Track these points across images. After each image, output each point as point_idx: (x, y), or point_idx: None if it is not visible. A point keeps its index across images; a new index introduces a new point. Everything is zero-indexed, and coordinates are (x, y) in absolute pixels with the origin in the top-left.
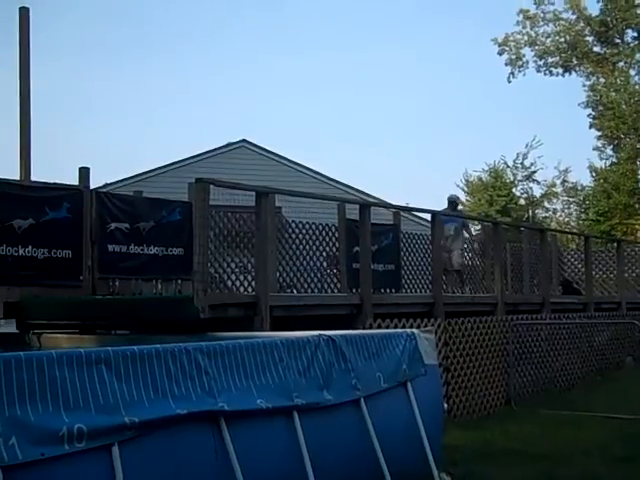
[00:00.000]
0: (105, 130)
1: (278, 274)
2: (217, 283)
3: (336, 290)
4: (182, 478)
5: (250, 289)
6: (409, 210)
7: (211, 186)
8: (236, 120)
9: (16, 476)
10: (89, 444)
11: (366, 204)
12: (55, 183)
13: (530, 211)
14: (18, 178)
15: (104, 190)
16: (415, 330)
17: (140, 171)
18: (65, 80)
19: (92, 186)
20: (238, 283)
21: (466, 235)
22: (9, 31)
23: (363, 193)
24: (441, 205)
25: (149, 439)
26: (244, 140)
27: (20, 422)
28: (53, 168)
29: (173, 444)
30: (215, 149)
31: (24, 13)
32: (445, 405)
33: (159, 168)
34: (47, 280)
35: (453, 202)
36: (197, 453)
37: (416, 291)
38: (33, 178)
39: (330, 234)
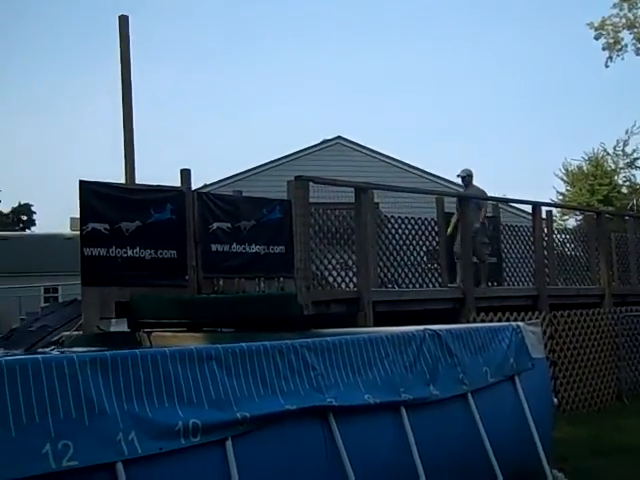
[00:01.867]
0: (204, 132)
1: (379, 270)
2: (319, 280)
3: (437, 285)
4: (293, 472)
5: (352, 285)
6: (508, 202)
7: (310, 183)
8: (331, 117)
9: (137, 470)
10: (204, 438)
11: (465, 196)
12: (158, 185)
13: (635, 199)
14: (124, 182)
15: (205, 191)
16: (521, 323)
17: (238, 171)
18: (165, 85)
19: (193, 187)
20: (339, 279)
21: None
22: (112, 37)
23: (461, 186)
24: (541, 197)
25: (260, 434)
26: (339, 137)
27: (138, 417)
28: (156, 171)
29: (283, 439)
30: (311, 147)
31: (123, 21)
32: (555, 400)
33: (256, 167)
34: (155, 280)
35: (465, 178)
36: (307, 448)
37: (518, 284)
38: (137, 181)
39: (430, 228)
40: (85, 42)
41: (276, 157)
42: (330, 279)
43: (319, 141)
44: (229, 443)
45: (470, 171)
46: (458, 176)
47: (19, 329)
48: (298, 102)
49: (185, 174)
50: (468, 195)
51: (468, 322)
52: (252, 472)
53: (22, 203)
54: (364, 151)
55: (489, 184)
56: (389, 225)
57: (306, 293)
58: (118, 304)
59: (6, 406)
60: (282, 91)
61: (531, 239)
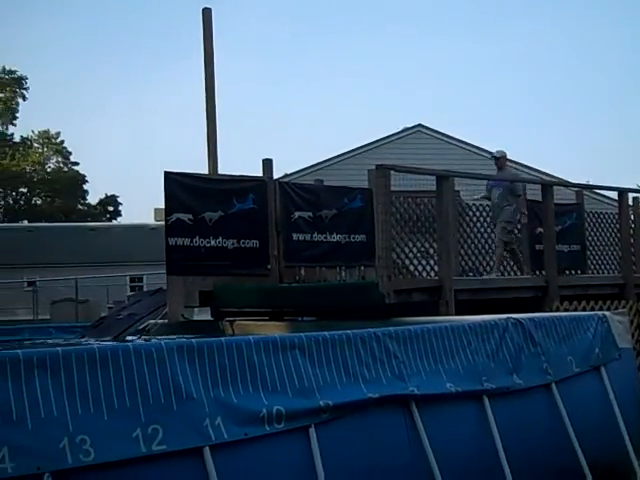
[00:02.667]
0: (286, 122)
1: (460, 258)
2: (400, 268)
3: (519, 273)
4: (376, 459)
5: (433, 274)
6: (593, 188)
7: (391, 172)
8: (412, 105)
9: (223, 455)
10: (287, 425)
11: (548, 184)
12: (241, 175)
13: None
14: (207, 172)
15: (286, 180)
16: (607, 312)
17: (318, 160)
18: (247, 74)
19: (274, 177)
20: (420, 268)
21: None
22: (195, 28)
23: (542, 173)
24: (627, 181)
25: (343, 422)
26: (420, 125)
27: (224, 403)
28: (238, 160)
29: (366, 426)
30: (391, 135)
31: (207, 13)
32: None
33: (337, 156)
34: (237, 269)
35: (498, 160)
36: (389, 436)
37: (603, 272)
38: (220, 171)
39: None
40: (168, 34)
41: (357, 146)
42: (411, 268)
43: (399, 129)
44: (312, 430)
45: (504, 152)
46: (492, 157)
47: (107, 317)
48: (378, 91)
49: (267, 164)
50: (549, 183)
51: (551, 311)
52: (335, 459)
53: (109, 195)
54: (444, 139)
55: (573, 171)
56: (470, 213)
57: (387, 282)
58: (201, 293)
59: (99, 391)
60: (362, 80)
61: (617, 226)
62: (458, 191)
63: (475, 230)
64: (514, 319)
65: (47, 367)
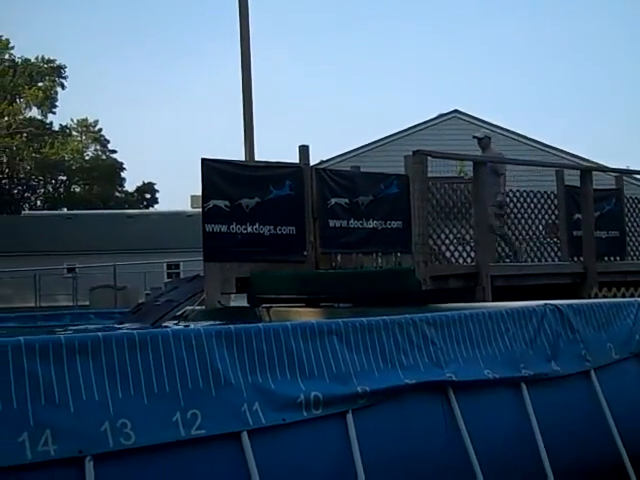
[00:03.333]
0: (322, 108)
1: (496, 244)
2: (436, 255)
3: (556, 259)
4: (412, 446)
5: (469, 260)
6: (632, 173)
7: (428, 158)
8: (448, 91)
9: (261, 440)
10: (325, 411)
11: (587, 169)
12: (277, 162)
13: None
14: (243, 159)
15: (322, 167)
16: None
17: (354, 147)
18: (282, 61)
19: (310, 164)
20: (457, 254)
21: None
22: (230, 14)
23: (581, 158)
24: None
25: (380, 408)
26: (456, 110)
27: (262, 389)
28: (274, 147)
29: (403, 413)
30: (427, 121)
31: None
32: None
33: (373, 143)
34: (273, 256)
35: (482, 140)
36: (426, 422)
37: None
38: (256, 157)
39: (549, 202)
40: (204, 20)
41: (393, 132)
42: (447, 254)
43: (435, 115)
44: (349, 416)
45: (489, 133)
46: (474, 137)
47: (145, 304)
48: (415, 77)
49: (303, 150)
50: (588, 168)
51: (589, 297)
52: (372, 445)
53: (146, 182)
54: (481, 124)
55: (612, 156)
56: (507, 199)
57: (424, 268)
58: (238, 279)
59: (139, 376)
60: (399, 65)
61: None
62: None
63: (512, 216)
64: (552, 305)
65: (88, 351)
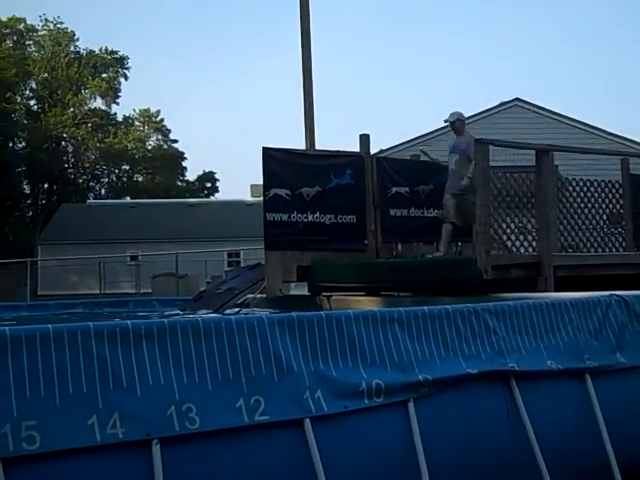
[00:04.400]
0: (382, 96)
1: (559, 234)
2: (497, 244)
3: (621, 249)
4: (474, 434)
5: (530, 249)
6: None
7: (489, 146)
8: (509, 79)
9: (323, 427)
10: (387, 399)
11: None
12: (338, 151)
13: None
14: (304, 147)
15: (382, 155)
16: None
17: (413, 136)
18: (343, 50)
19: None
20: (518, 244)
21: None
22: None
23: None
24: None
25: (442, 396)
26: (517, 99)
27: (324, 376)
28: (335, 136)
29: (465, 402)
30: (487, 109)
31: None
32: None
33: (433, 132)
34: (334, 244)
35: (454, 124)
36: (488, 412)
37: None
38: (317, 145)
39: (613, 191)
40: (265, 9)
41: None
42: (508, 243)
43: (496, 103)
44: (411, 405)
45: (461, 115)
46: (446, 121)
47: (207, 291)
48: (475, 65)
49: (364, 139)
50: None
51: None
52: (433, 433)
53: (206, 171)
54: (543, 112)
55: None
56: (570, 188)
57: (486, 257)
58: (299, 268)
59: (203, 362)
60: (458, 54)
61: None
62: (557, 166)
63: (575, 206)
64: (618, 296)
65: (154, 338)
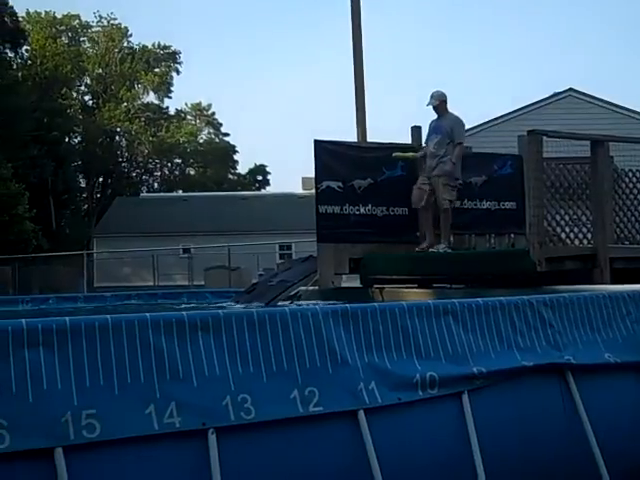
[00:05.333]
0: (429, 88)
1: (614, 225)
2: (550, 236)
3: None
4: (529, 428)
5: (585, 241)
6: None
7: (543, 137)
8: (562, 70)
9: (377, 419)
10: (441, 391)
11: None
12: (389, 143)
13: None
14: (355, 140)
15: None
16: None
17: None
18: (397, 39)
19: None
20: (572, 235)
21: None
22: None
23: None
24: None
25: (496, 389)
26: (571, 89)
27: (378, 368)
28: (387, 128)
29: (520, 395)
30: (541, 100)
31: None
32: None
33: (485, 123)
34: (386, 237)
35: (437, 107)
36: (544, 405)
37: None
38: (368, 138)
39: None
40: (313, 3)
41: (505, 112)
42: (562, 235)
43: (549, 94)
44: (465, 397)
45: (443, 95)
46: (429, 105)
47: (260, 284)
48: (528, 56)
49: (415, 131)
50: None
51: None
52: (487, 426)
53: (258, 164)
54: (597, 103)
55: None
56: (626, 179)
57: (539, 249)
58: (351, 260)
59: (258, 353)
60: (511, 45)
61: None
62: (612, 157)
63: (632, 197)
64: None
65: (210, 328)
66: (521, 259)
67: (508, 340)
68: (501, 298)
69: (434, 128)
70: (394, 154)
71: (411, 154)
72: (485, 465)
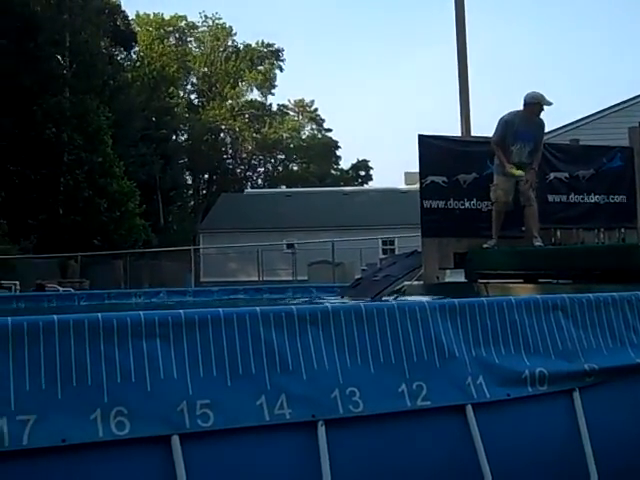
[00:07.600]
0: (534, 83)
1: None
2: None
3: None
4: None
5: None
6: None
7: None
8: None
9: (484, 414)
10: (550, 388)
11: None
12: None
13: None
14: (459, 134)
15: None
16: None
17: (571, 120)
18: (500, 32)
19: None
20: None
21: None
22: None
23: None
24: None
25: (609, 387)
26: None
27: (486, 363)
28: (490, 121)
29: (633, 393)
30: (623, 101)
31: None
32: None
33: (591, 115)
34: (490, 231)
35: (531, 105)
36: None
37: None
38: (473, 132)
39: None
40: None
41: (613, 103)
42: None
43: (632, 95)
44: (576, 394)
45: (538, 95)
46: (550, 105)
47: (364, 279)
48: (632, 46)
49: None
50: None
51: None
52: (600, 424)
53: (360, 159)
54: None
55: None
56: None
57: None
58: (455, 255)
59: (366, 346)
60: (615, 33)
61: None
62: None
63: None
64: None
65: (318, 322)
66: (632, 254)
67: (621, 337)
68: (613, 293)
69: (527, 134)
70: (509, 169)
71: (519, 172)
72: (597, 463)
